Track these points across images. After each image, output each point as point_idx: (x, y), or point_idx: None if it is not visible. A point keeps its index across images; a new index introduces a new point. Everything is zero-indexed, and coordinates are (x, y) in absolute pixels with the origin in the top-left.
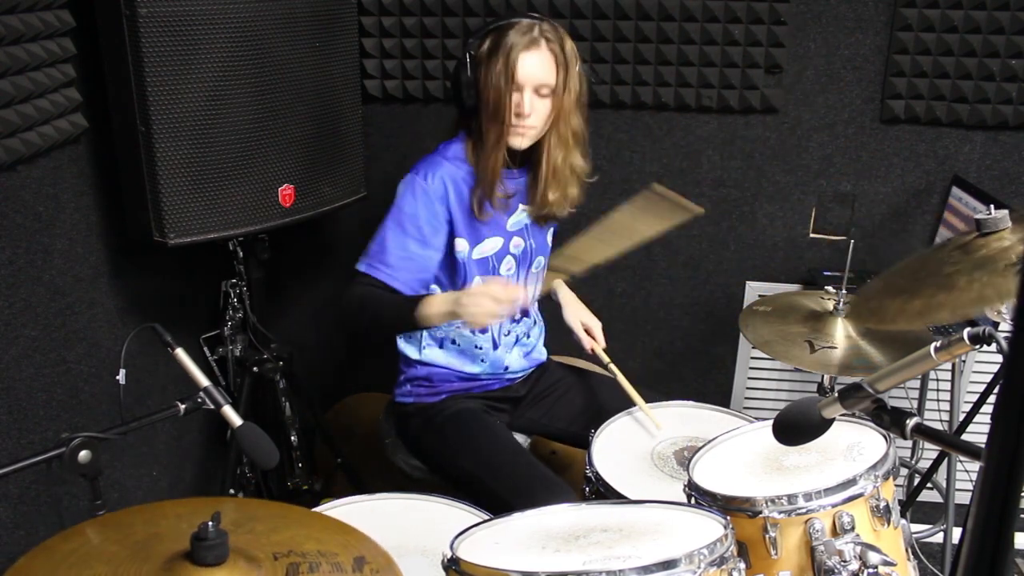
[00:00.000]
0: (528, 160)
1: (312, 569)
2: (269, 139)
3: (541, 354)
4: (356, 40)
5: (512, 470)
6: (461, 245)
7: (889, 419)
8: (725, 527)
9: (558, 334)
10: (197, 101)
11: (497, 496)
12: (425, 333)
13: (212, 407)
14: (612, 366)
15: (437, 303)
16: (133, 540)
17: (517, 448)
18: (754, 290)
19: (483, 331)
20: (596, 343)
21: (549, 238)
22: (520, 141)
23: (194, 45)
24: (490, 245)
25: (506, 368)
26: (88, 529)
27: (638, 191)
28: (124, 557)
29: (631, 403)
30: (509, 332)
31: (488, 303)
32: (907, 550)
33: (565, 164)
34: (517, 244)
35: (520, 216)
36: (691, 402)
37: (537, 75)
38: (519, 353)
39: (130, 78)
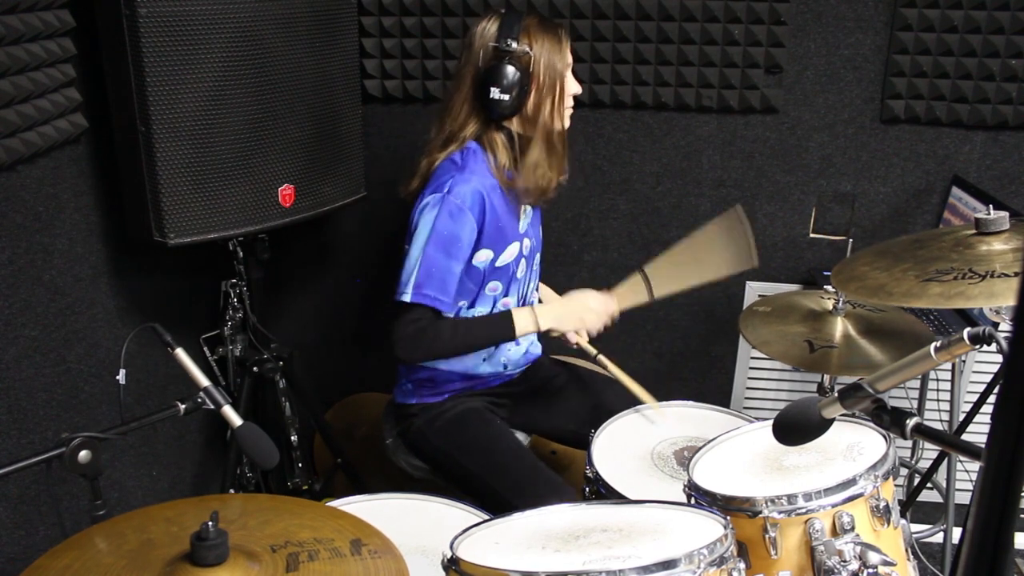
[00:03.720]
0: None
1: (312, 557)
2: (269, 139)
3: (537, 348)
4: (356, 40)
5: (515, 470)
6: (485, 255)
7: (889, 419)
8: (725, 527)
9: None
10: (197, 101)
11: (500, 496)
12: None
13: (212, 407)
14: (601, 357)
15: (529, 320)
16: (127, 549)
17: (520, 449)
18: (754, 290)
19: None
20: (580, 337)
21: (540, 231)
22: (568, 122)
23: (194, 45)
24: (510, 251)
25: (505, 366)
26: (81, 540)
27: (719, 212)
28: (122, 568)
29: (631, 402)
30: None
31: (589, 316)
32: (907, 550)
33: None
34: (527, 245)
35: (525, 217)
36: (691, 402)
37: (571, 57)
38: (518, 348)
39: (130, 78)
